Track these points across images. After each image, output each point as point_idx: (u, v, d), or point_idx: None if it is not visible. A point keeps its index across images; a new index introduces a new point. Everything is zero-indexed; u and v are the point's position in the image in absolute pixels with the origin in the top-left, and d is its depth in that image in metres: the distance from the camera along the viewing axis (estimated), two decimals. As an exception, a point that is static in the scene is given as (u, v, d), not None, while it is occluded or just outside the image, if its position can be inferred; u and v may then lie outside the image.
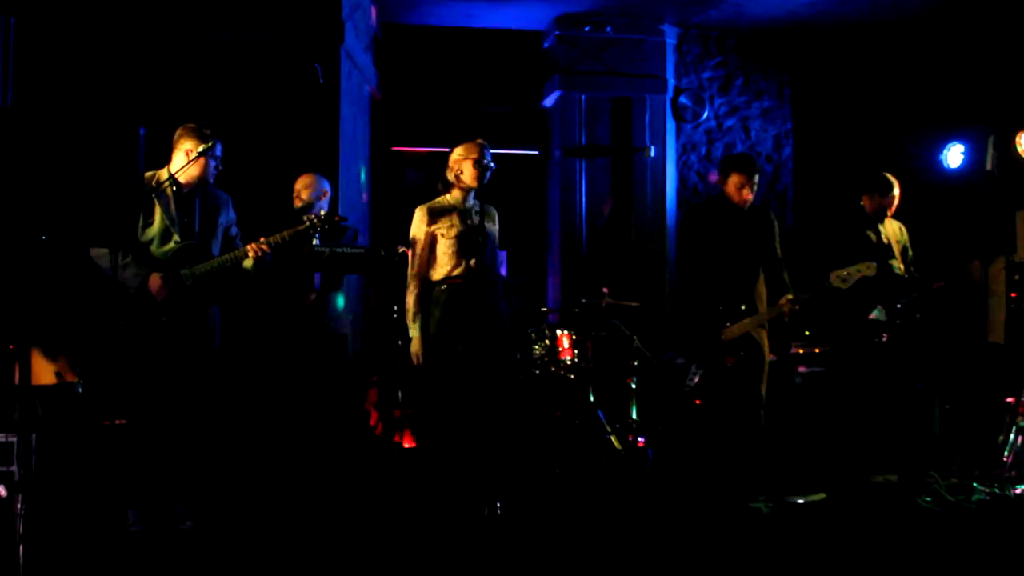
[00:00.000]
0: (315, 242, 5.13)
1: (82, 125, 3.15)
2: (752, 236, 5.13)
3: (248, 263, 4.27)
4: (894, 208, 5.57)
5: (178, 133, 4.30)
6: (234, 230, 4.49)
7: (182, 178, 4.25)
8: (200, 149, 4.21)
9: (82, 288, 4.29)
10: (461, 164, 4.52)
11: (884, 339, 5.38)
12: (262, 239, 4.24)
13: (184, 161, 4.24)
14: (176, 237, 4.26)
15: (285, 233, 4.26)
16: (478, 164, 4.48)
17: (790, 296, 4.95)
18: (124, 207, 4.14)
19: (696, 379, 5.10)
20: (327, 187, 5.37)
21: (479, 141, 4.55)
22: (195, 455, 4.36)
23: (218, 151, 4.32)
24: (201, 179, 4.31)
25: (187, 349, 4.26)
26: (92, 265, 4.21)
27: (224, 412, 5.05)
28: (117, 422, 4.07)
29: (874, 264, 4.95)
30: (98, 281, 4.20)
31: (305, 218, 4.30)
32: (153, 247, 4.23)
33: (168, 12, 5.79)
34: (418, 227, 4.52)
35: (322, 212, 4.36)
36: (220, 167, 4.36)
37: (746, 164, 5.10)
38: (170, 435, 4.22)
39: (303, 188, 5.30)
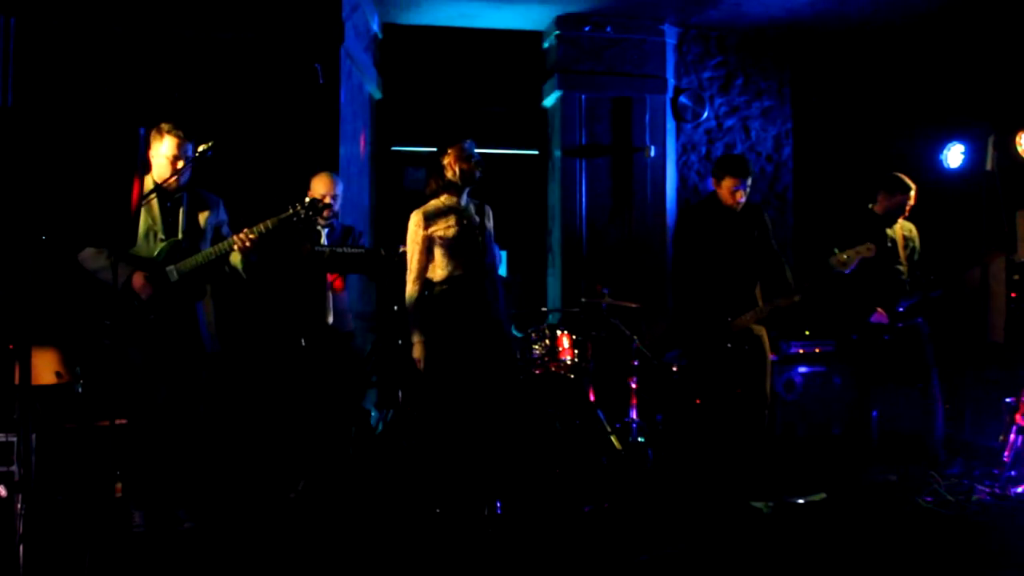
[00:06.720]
0: (323, 240, 5.13)
1: (82, 125, 3.14)
2: (746, 236, 5.14)
3: (235, 256, 4.23)
4: (908, 210, 5.56)
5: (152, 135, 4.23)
6: (226, 230, 4.44)
7: (158, 180, 4.22)
8: (163, 150, 4.17)
9: (75, 288, 4.26)
10: (455, 166, 4.50)
11: (886, 339, 5.40)
12: (245, 229, 4.18)
13: (157, 162, 4.21)
14: (160, 235, 4.24)
15: (269, 221, 4.19)
16: (466, 160, 4.47)
17: (794, 296, 4.99)
18: (124, 207, 4.12)
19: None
20: (341, 189, 5.34)
21: (464, 142, 4.54)
22: (197, 455, 4.35)
23: (188, 151, 4.22)
24: (172, 180, 4.24)
25: (178, 348, 4.22)
26: (79, 266, 4.18)
27: (225, 412, 5.05)
28: (117, 422, 4.07)
29: (873, 245, 4.96)
30: (85, 282, 4.17)
31: (289, 206, 4.24)
32: (138, 248, 4.19)
33: (168, 12, 5.79)
34: (414, 232, 4.48)
35: (306, 200, 4.27)
36: (184, 167, 4.23)
37: (739, 168, 5.12)
38: (169, 435, 4.19)
39: (324, 193, 5.17)
